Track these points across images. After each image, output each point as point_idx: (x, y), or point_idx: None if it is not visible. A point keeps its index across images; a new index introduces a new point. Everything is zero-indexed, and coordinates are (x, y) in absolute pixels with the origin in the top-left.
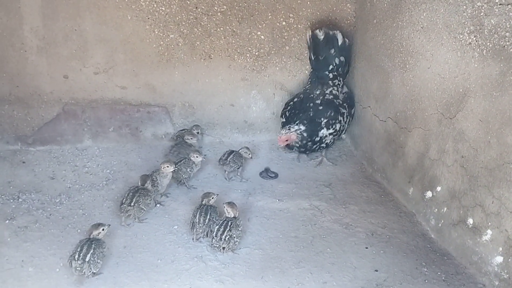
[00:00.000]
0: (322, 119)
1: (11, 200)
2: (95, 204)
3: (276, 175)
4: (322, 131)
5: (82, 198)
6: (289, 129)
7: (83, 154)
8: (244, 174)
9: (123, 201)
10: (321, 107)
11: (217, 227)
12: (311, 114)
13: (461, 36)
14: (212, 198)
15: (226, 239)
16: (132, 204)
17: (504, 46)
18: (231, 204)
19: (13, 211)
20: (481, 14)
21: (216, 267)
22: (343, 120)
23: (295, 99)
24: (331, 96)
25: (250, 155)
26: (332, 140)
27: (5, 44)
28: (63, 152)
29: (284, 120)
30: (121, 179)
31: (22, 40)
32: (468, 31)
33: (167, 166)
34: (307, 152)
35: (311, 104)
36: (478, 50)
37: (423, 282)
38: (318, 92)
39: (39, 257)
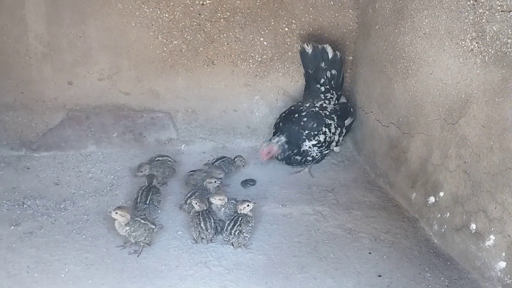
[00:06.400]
0: (305, 131)
1: (16, 206)
2: (100, 210)
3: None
4: (305, 143)
5: (86, 203)
6: (270, 141)
7: (87, 160)
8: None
9: (138, 200)
10: (305, 119)
11: (228, 222)
12: (293, 126)
13: (463, 42)
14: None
15: (236, 233)
16: (147, 202)
17: (506, 53)
18: (241, 201)
19: (18, 217)
20: (483, 20)
21: (220, 273)
22: (329, 131)
23: (287, 111)
24: (317, 108)
25: (243, 164)
26: (319, 154)
27: (10, 50)
28: (67, 157)
29: (274, 130)
30: (125, 184)
31: (27, 47)
32: (470, 38)
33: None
34: (294, 165)
35: (296, 116)
36: (480, 56)
37: None
38: (307, 105)
39: (44, 262)
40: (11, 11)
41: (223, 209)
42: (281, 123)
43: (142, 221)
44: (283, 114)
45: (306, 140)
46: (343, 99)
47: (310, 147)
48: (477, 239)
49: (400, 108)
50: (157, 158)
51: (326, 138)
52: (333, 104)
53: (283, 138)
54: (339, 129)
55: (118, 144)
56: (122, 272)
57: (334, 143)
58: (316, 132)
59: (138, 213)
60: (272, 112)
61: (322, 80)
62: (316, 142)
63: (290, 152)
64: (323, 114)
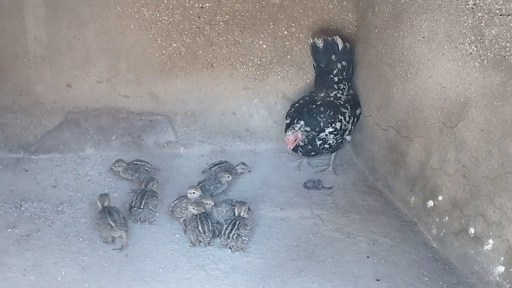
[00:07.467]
0: (322, 117)
1: (13, 209)
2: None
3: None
4: (323, 130)
5: (84, 206)
6: (294, 129)
7: (86, 163)
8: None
9: (133, 204)
10: (321, 108)
11: (226, 226)
12: (311, 112)
13: (462, 46)
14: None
15: (234, 237)
16: (142, 206)
17: (505, 56)
18: (240, 203)
19: (15, 219)
20: (482, 24)
21: (217, 276)
22: (344, 120)
23: (301, 101)
24: (332, 98)
25: (248, 170)
26: (334, 141)
27: (9, 53)
28: (65, 160)
29: (288, 121)
30: (123, 187)
31: (26, 49)
32: (469, 41)
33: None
34: (313, 154)
35: (313, 106)
36: (479, 60)
37: None
38: (322, 95)
39: (41, 265)
40: (10, 14)
41: (215, 208)
42: (295, 112)
43: (106, 214)
44: (297, 104)
45: (324, 127)
46: (350, 91)
47: (327, 135)
48: (475, 243)
49: (399, 112)
50: (134, 162)
51: (342, 126)
52: (346, 95)
53: (302, 123)
54: (352, 118)
55: (116, 147)
56: (119, 275)
57: (347, 132)
58: (333, 120)
59: (132, 217)
60: (271, 115)
61: (335, 72)
62: (333, 129)
63: (313, 133)
64: (338, 103)
